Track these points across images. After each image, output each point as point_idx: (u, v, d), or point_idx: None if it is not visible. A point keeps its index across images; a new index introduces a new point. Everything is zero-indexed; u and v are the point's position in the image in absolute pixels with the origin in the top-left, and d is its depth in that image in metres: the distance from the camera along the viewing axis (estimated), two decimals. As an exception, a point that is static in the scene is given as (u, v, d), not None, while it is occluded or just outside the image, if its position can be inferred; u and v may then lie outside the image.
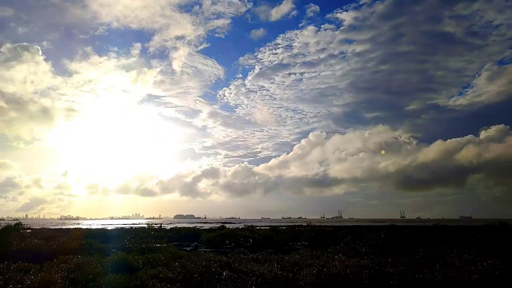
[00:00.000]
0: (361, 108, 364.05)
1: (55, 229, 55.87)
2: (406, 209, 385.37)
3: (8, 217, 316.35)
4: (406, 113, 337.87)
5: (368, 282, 12.25)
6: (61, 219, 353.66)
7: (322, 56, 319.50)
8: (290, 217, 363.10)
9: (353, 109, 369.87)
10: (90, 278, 12.54)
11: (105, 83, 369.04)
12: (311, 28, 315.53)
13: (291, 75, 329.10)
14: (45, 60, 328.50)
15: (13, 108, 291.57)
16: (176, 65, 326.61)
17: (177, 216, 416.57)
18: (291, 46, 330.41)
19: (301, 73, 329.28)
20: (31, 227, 49.79)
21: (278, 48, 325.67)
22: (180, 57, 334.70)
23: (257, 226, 56.99)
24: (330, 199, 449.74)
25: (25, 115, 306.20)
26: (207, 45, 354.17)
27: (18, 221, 50.02)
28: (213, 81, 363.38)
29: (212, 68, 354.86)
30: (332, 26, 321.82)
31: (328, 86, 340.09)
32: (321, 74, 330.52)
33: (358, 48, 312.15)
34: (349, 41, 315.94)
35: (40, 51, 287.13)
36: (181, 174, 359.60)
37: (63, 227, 75.14)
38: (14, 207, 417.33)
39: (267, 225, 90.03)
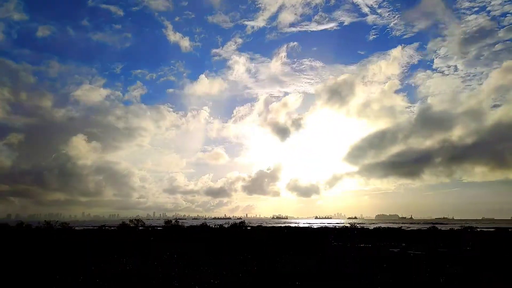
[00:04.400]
0: None
1: (268, 226, 63.94)
2: None
3: (225, 216, 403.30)
4: None
5: None
6: (273, 218, 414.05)
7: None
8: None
9: None
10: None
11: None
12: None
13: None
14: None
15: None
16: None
17: (378, 216, 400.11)
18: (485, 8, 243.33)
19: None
20: (250, 224, 59.71)
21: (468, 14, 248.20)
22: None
23: (478, 228, 48.22)
24: None
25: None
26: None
27: (241, 220, 61.22)
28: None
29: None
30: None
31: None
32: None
33: None
34: None
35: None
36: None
37: (275, 225, 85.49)
38: (227, 208, 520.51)
39: (491, 226, 73.40)
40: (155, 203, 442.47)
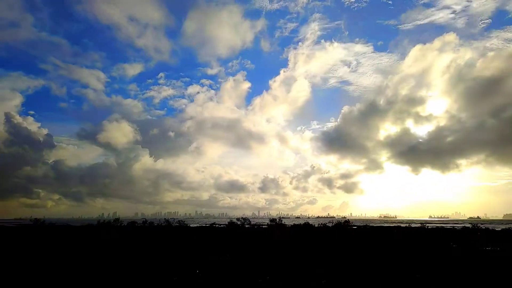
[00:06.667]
0: None
1: (375, 226, 58.45)
2: None
3: (328, 215, 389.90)
4: None
5: None
6: (380, 217, 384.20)
7: None
8: None
9: None
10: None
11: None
12: None
13: None
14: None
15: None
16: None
17: (507, 215, 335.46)
18: None
19: None
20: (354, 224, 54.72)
21: None
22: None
23: None
24: None
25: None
26: None
27: (346, 219, 56.74)
28: None
29: None
30: None
31: None
32: None
33: None
34: None
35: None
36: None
37: (383, 225, 78.03)
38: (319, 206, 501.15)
39: None
40: (245, 202, 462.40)
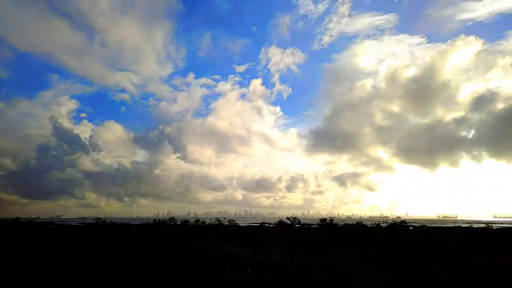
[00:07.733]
0: None
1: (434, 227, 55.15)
2: None
3: (381, 215, 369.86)
4: None
5: None
6: (438, 217, 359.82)
7: None
8: None
9: None
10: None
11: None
12: None
13: None
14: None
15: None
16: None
17: None
18: None
19: None
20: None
21: None
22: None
23: None
24: None
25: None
26: None
27: (402, 219, 53.54)
28: None
29: None
30: None
31: None
32: None
33: None
34: None
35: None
36: None
37: (442, 225, 72.99)
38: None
39: None
40: (284, 201, 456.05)
